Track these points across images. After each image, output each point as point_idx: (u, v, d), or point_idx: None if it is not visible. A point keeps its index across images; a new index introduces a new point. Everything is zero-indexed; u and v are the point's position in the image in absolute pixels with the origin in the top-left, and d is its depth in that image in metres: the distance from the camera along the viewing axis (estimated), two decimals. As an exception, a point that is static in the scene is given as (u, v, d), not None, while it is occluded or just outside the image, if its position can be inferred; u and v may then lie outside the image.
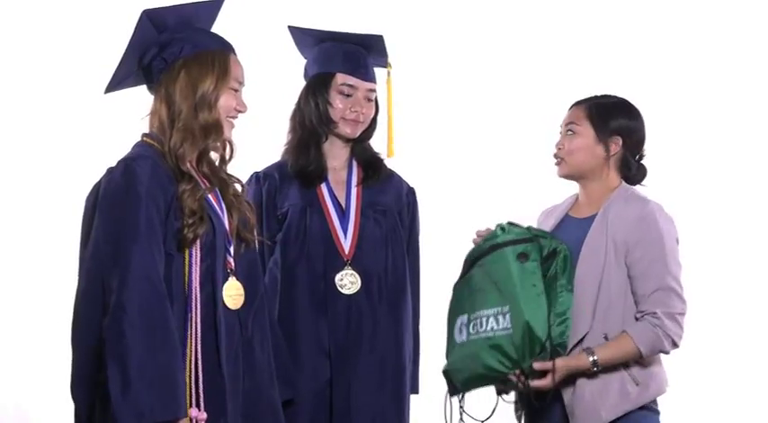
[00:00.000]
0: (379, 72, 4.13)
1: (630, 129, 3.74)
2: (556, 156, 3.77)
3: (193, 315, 3.24)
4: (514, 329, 3.56)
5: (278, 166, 4.10)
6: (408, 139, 4.32)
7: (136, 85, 3.41)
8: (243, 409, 3.33)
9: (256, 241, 3.45)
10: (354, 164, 4.12)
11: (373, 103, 4.09)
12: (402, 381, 4.07)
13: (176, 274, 3.24)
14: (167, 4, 3.37)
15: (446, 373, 3.72)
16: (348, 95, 4.04)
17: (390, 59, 4.12)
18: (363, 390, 3.99)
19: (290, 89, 4.18)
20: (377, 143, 4.16)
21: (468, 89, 5.93)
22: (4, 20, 5.71)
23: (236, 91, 3.36)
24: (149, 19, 3.31)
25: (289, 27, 4.13)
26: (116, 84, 3.39)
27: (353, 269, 4.01)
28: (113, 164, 3.28)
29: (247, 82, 3.43)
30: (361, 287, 4.01)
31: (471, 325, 3.65)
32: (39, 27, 5.71)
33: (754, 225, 5.98)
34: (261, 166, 4.12)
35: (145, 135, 3.36)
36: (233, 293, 3.33)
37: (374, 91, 4.09)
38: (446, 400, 3.72)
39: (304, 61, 4.18)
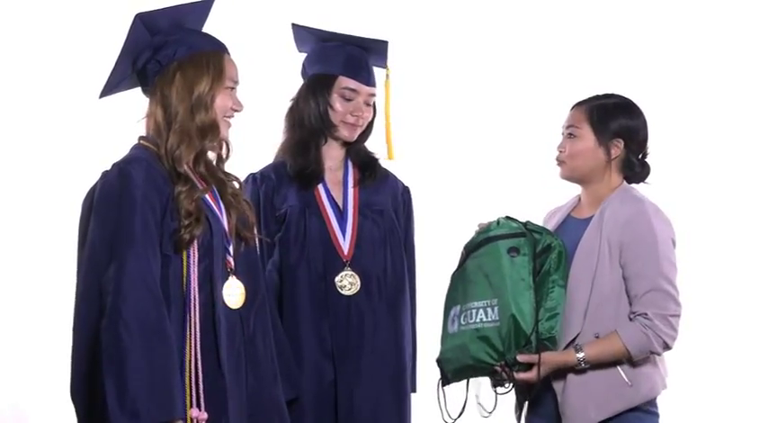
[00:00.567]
0: (378, 73, 4.13)
1: (632, 129, 3.74)
2: (557, 158, 3.77)
3: (192, 315, 3.25)
4: (501, 322, 3.60)
5: (274, 167, 4.09)
6: (406, 140, 4.32)
7: (130, 88, 3.42)
8: (247, 408, 3.34)
9: (256, 240, 3.46)
10: (350, 164, 4.11)
11: (372, 107, 4.08)
12: (403, 380, 4.08)
13: (174, 275, 3.25)
14: (159, 6, 3.37)
15: (439, 362, 3.76)
16: (349, 99, 4.03)
17: (389, 62, 4.11)
18: (366, 390, 4.00)
19: (285, 87, 4.18)
20: (375, 146, 4.16)
21: (466, 91, 5.93)
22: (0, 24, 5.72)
23: (231, 90, 3.37)
24: (142, 22, 3.32)
25: (293, 25, 4.11)
26: (111, 88, 3.39)
27: (353, 270, 4.01)
28: (109, 167, 3.29)
29: (243, 80, 3.43)
30: (361, 288, 4.01)
31: (463, 316, 3.69)
32: (34, 32, 5.68)
33: (754, 226, 5.98)
34: (256, 164, 4.11)
35: (141, 138, 3.36)
36: (234, 292, 3.34)
37: (374, 95, 4.08)
38: (438, 390, 3.76)
39: (297, 59, 4.16)
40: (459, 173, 5.91)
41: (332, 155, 4.10)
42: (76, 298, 3.26)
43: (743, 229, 5.97)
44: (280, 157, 4.12)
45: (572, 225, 3.77)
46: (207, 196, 3.34)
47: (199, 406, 3.23)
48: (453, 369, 3.71)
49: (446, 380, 3.74)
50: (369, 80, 4.06)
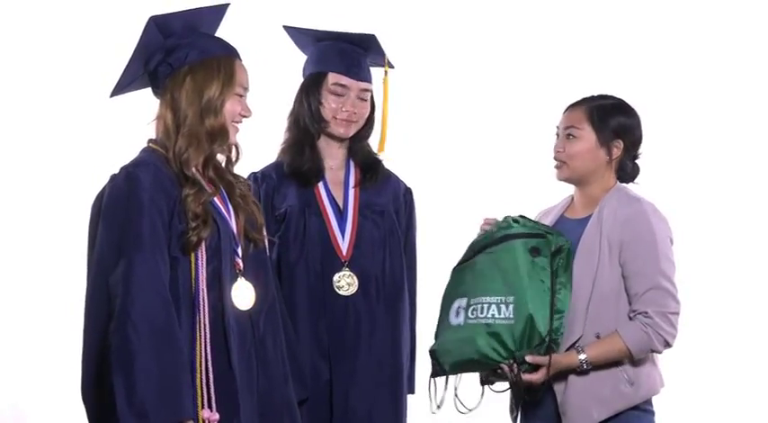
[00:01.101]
0: (377, 72, 4.13)
1: (630, 129, 3.76)
2: (556, 159, 3.76)
3: (201, 317, 3.26)
4: (516, 321, 3.58)
5: (275, 166, 4.10)
6: (405, 138, 4.35)
7: (141, 88, 3.43)
8: (258, 408, 3.35)
9: (265, 241, 3.47)
10: (352, 164, 4.12)
11: (368, 103, 4.08)
12: (400, 381, 4.09)
13: (183, 277, 3.26)
14: (173, 9, 3.39)
15: (433, 352, 3.73)
16: (340, 95, 4.04)
17: (387, 58, 4.11)
18: (362, 390, 4.01)
19: (288, 89, 4.19)
20: (369, 140, 4.16)
21: (463, 89, 5.95)
22: (11, 25, 5.69)
23: (240, 96, 3.38)
24: (156, 25, 3.33)
25: (284, 27, 4.13)
26: (121, 88, 3.40)
27: (351, 270, 4.02)
28: (117, 170, 3.30)
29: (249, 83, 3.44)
30: (359, 288, 4.02)
31: (470, 309, 3.66)
32: (45, 32, 5.69)
33: (750, 225, 6.00)
34: (260, 166, 4.12)
35: (151, 140, 3.37)
36: (243, 294, 3.35)
37: (368, 90, 4.07)
38: (430, 382, 3.74)
39: (301, 61, 4.17)
40: (457, 172, 5.92)
41: (332, 154, 4.11)
42: (86, 300, 3.27)
43: (736, 229, 5.99)
44: (280, 157, 4.14)
45: (568, 225, 3.77)
46: (215, 199, 3.35)
47: (210, 407, 3.24)
48: (453, 361, 3.68)
49: (442, 371, 3.71)
50: (360, 75, 4.05)
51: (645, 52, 5.98)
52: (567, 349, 3.64)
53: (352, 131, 4.07)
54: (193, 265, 3.27)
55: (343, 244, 4.04)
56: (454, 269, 3.78)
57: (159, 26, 3.34)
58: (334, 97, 4.04)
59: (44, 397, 5.43)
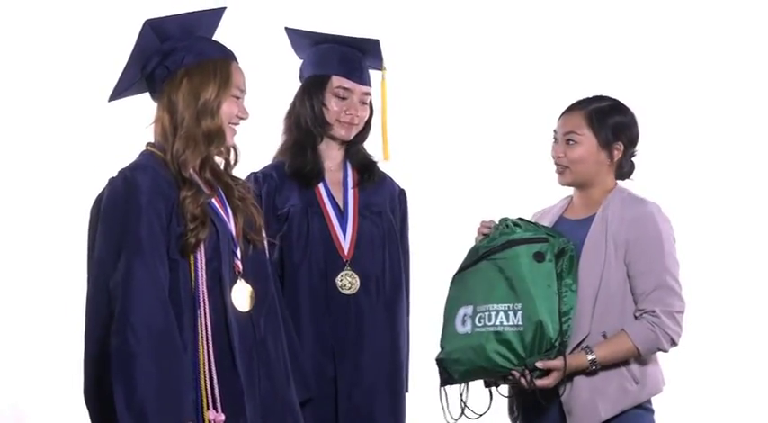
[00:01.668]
0: (374, 75, 4.15)
1: (627, 129, 3.76)
2: (557, 165, 3.76)
3: (203, 318, 3.27)
4: (526, 327, 3.57)
5: (275, 167, 4.11)
6: (402, 141, 4.34)
7: (138, 93, 3.44)
8: (261, 409, 3.36)
9: (265, 242, 3.48)
10: (348, 166, 4.15)
11: (368, 106, 4.11)
12: (399, 378, 4.12)
13: (183, 279, 3.27)
14: (170, 13, 3.40)
15: (441, 361, 3.71)
16: (343, 98, 4.06)
17: (385, 63, 4.14)
18: (365, 388, 4.03)
19: (285, 90, 4.20)
20: (371, 146, 4.19)
21: (460, 92, 5.95)
22: (9, 28, 5.68)
23: (237, 98, 3.39)
24: (152, 28, 3.34)
25: (285, 28, 4.14)
26: (119, 92, 3.41)
27: (352, 269, 4.05)
28: (116, 173, 3.31)
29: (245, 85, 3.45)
30: (360, 287, 4.04)
31: (477, 317, 3.65)
32: (42, 37, 5.68)
33: (750, 225, 6.00)
34: (255, 166, 4.13)
35: (149, 144, 3.38)
36: (242, 295, 3.36)
37: (369, 94, 4.10)
38: (441, 391, 3.72)
39: (298, 63, 4.19)
40: (453, 174, 5.92)
41: (331, 155, 4.14)
42: (86, 303, 3.28)
43: (737, 228, 5.99)
44: (278, 158, 4.15)
45: (569, 226, 3.78)
46: (213, 200, 3.36)
47: (215, 408, 3.25)
48: (463, 370, 3.67)
49: (452, 380, 3.70)
50: (362, 79, 4.09)
51: (641, 52, 5.97)
52: (574, 349, 3.64)
53: (353, 134, 4.10)
54: (192, 267, 3.28)
55: (345, 244, 4.07)
56: (455, 275, 3.77)
57: (155, 29, 3.34)
58: (337, 100, 4.07)
59: (44, 397, 5.43)
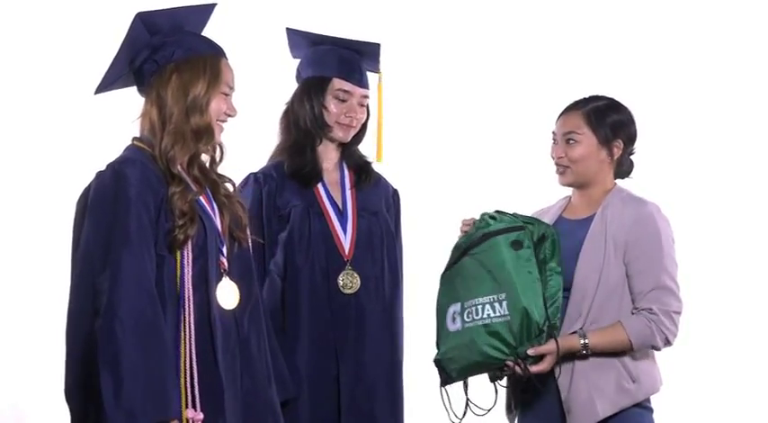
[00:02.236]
0: (370, 77, 4.16)
1: (625, 127, 3.78)
2: (558, 165, 3.78)
3: (186, 316, 3.25)
4: (512, 316, 3.58)
5: (275, 167, 4.12)
6: (394, 142, 4.35)
7: (125, 86, 3.42)
8: (242, 408, 3.34)
9: (249, 240, 3.46)
10: (345, 167, 4.17)
11: (365, 109, 4.14)
12: (399, 377, 4.13)
13: (169, 275, 3.26)
14: (159, 7, 3.38)
15: (438, 362, 3.73)
16: (343, 100, 4.09)
17: (381, 65, 4.16)
18: (366, 385, 4.04)
19: (277, 90, 4.21)
20: (365, 147, 4.21)
21: (455, 94, 5.96)
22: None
23: (226, 95, 3.38)
24: (142, 21, 3.32)
25: (286, 29, 4.16)
26: (106, 85, 3.39)
27: (353, 269, 4.06)
28: (103, 167, 3.29)
29: (237, 83, 3.44)
30: (361, 287, 4.05)
31: (465, 313, 3.66)
32: (29, 30, 5.69)
33: (748, 225, 5.99)
34: (249, 166, 4.14)
35: (135, 138, 3.37)
36: (227, 293, 3.34)
37: (368, 97, 4.13)
38: (442, 391, 3.73)
39: (292, 63, 4.20)
40: (448, 175, 5.93)
41: (328, 156, 4.15)
42: (70, 298, 3.27)
43: (735, 228, 5.99)
44: (275, 158, 4.16)
45: (568, 226, 3.78)
46: (200, 197, 3.34)
47: (194, 406, 3.23)
48: (459, 367, 3.68)
49: (450, 379, 3.71)
50: (362, 82, 4.12)
51: (639, 53, 5.98)
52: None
53: (350, 136, 4.13)
54: (179, 264, 3.27)
55: (346, 243, 4.08)
56: (442, 275, 3.78)
57: (145, 23, 3.33)
58: (337, 102, 4.09)
59: (44, 397, 5.44)
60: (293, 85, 4.18)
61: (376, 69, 4.16)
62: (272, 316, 3.97)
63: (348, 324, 4.03)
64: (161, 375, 3.14)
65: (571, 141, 3.75)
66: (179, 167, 3.31)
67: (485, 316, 3.62)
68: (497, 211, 3.74)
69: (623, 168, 3.81)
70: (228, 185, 3.44)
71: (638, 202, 3.73)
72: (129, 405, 3.10)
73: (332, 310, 4.03)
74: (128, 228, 3.19)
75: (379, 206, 4.16)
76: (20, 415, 5.59)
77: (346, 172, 4.17)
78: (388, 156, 4.21)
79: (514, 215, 3.73)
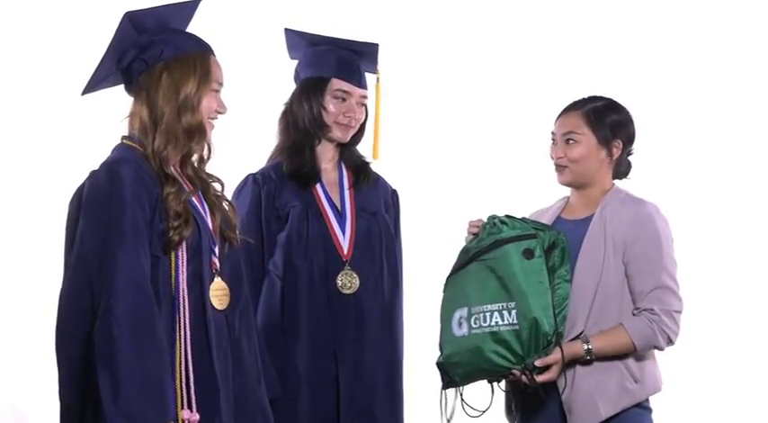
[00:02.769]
0: (368, 77, 4.18)
1: (624, 127, 3.79)
2: (558, 165, 3.77)
3: (181, 316, 3.25)
4: (521, 325, 3.58)
5: (273, 167, 4.13)
6: (394, 142, 4.39)
7: (113, 85, 3.41)
8: (234, 408, 3.34)
9: (239, 240, 3.45)
10: (343, 167, 4.18)
11: (364, 109, 4.15)
12: (399, 377, 4.14)
13: (163, 275, 3.25)
14: (145, 5, 3.38)
15: (441, 365, 3.72)
16: (342, 100, 4.10)
17: (379, 65, 4.18)
18: (365, 385, 4.05)
19: (275, 91, 4.22)
20: (363, 147, 4.22)
21: (453, 94, 5.97)
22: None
23: (216, 92, 3.37)
24: (130, 20, 3.31)
25: (285, 29, 4.17)
26: (93, 85, 3.38)
27: (352, 269, 4.06)
28: (94, 166, 3.28)
29: (232, 84, 3.45)
30: (360, 287, 4.06)
31: (473, 319, 3.66)
32: (17, 30, 5.70)
33: (747, 224, 6.00)
34: (246, 166, 4.14)
35: (125, 137, 3.35)
36: (219, 294, 3.34)
37: (366, 97, 4.14)
38: (441, 394, 3.73)
39: (290, 63, 4.21)
40: (446, 175, 5.93)
41: (327, 156, 4.16)
42: (62, 299, 3.27)
43: (734, 228, 5.99)
44: (274, 158, 4.17)
45: (566, 226, 3.78)
46: (193, 198, 3.33)
47: (190, 407, 3.23)
48: (464, 372, 3.68)
49: (453, 383, 3.71)
50: (361, 82, 4.13)
51: (638, 54, 5.98)
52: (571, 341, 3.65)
53: (349, 136, 4.14)
54: (173, 264, 3.26)
55: (345, 244, 4.09)
56: (448, 278, 3.78)
57: (133, 22, 3.32)
58: (336, 102, 4.11)
59: (44, 397, 5.44)
60: (292, 86, 4.19)
61: (373, 70, 4.18)
62: (271, 316, 3.99)
63: (347, 324, 4.04)
64: (158, 376, 3.14)
65: (570, 141, 3.75)
66: (172, 168, 3.30)
67: (492, 323, 3.62)
68: (508, 216, 3.73)
69: (621, 169, 3.81)
70: (217, 185, 3.43)
71: (637, 202, 3.73)
72: (127, 407, 3.10)
73: (331, 311, 4.04)
74: (123, 227, 3.18)
75: (377, 206, 4.17)
76: (20, 415, 5.60)
77: (345, 172, 4.18)
78: (386, 156, 4.23)
79: (524, 220, 3.73)
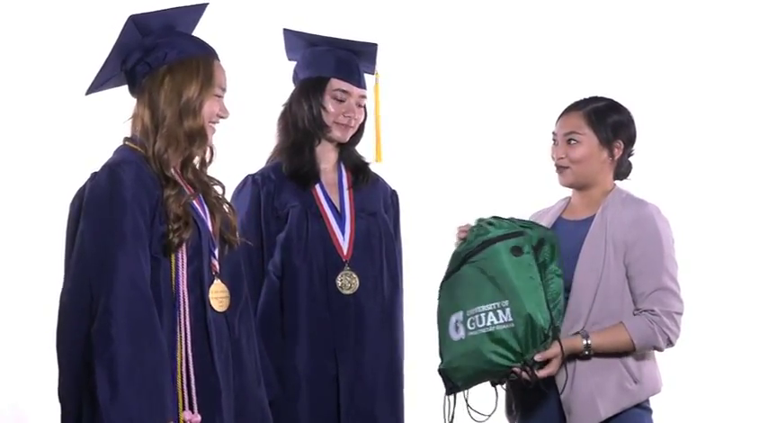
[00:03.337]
0: (368, 78, 4.18)
1: (625, 128, 3.79)
2: (559, 165, 3.78)
3: (182, 318, 3.25)
4: (516, 323, 3.58)
5: (272, 168, 4.13)
6: (393, 143, 4.37)
7: (117, 86, 3.41)
8: (234, 409, 3.35)
9: (238, 242, 3.46)
10: (343, 167, 4.18)
11: (363, 109, 4.15)
12: (399, 378, 4.14)
13: (164, 278, 3.26)
14: (150, 6, 3.38)
15: (443, 371, 3.72)
16: (341, 100, 4.10)
17: (378, 66, 4.18)
18: (366, 386, 4.05)
19: (275, 91, 4.23)
20: (363, 148, 4.22)
21: (453, 94, 5.97)
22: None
23: (219, 97, 3.37)
24: (135, 23, 3.31)
25: (284, 30, 4.17)
26: (97, 86, 3.38)
27: (352, 270, 4.06)
28: (95, 167, 3.29)
29: (232, 85, 3.44)
30: (360, 287, 4.06)
31: (468, 321, 3.66)
32: (22, 31, 5.70)
33: (747, 225, 6.01)
34: (244, 168, 4.14)
35: (127, 139, 3.36)
36: (219, 296, 3.34)
37: (365, 97, 4.14)
38: (445, 400, 3.72)
39: (289, 64, 4.21)
40: (446, 175, 5.94)
41: (326, 157, 4.16)
42: (62, 299, 3.27)
43: (734, 229, 6.01)
44: (274, 159, 4.17)
45: (568, 227, 3.79)
46: (193, 200, 3.34)
47: (192, 408, 3.23)
48: (465, 376, 3.67)
49: (456, 388, 3.71)
50: (360, 82, 4.13)
51: (638, 54, 5.99)
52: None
53: (348, 136, 4.14)
54: (173, 266, 3.27)
55: (344, 244, 4.09)
56: (441, 283, 3.78)
57: (138, 25, 3.32)
58: (335, 102, 4.11)
59: (44, 397, 5.43)
60: (291, 87, 4.19)
61: (372, 70, 4.18)
62: (271, 317, 4.00)
63: (347, 324, 4.04)
64: (157, 378, 3.14)
65: (572, 142, 3.76)
66: (172, 170, 3.31)
67: (488, 323, 3.62)
68: (494, 217, 3.73)
69: (622, 169, 3.82)
70: (218, 188, 3.43)
71: (638, 203, 3.74)
72: (126, 409, 3.10)
73: (331, 311, 4.04)
74: (123, 230, 3.19)
75: (377, 207, 4.17)
76: (20, 415, 5.59)
77: (344, 173, 4.17)
78: (385, 156, 4.22)
79: (511, 220, 3.73)
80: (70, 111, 5.48)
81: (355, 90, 4.11)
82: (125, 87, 3.41)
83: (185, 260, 3.27)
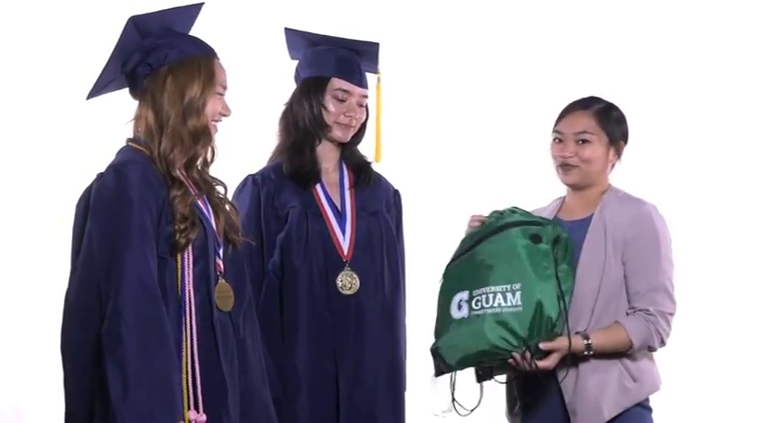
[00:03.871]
0: (369, 77, 4.17)
1: (625, 128, 3.81)
2: (566, 164, 3.76)
3: (188, 318, 3.26)
4: (525, 307, 3.56)
5: (273, 168, 4.12)
6: (395, 142, 4.38)
7: (118, 89, 3.42)
8: (240, 408, 3.35)
9: (241, 242, 3.46)
10: (344, 167, 4.17)
11: (364, 109, 4.14)
12: (400, 378, 4.14)
13: (170, 277, 3.26)
14: (147, 9, 3.38)
15: (436, 350, 3.69)
16: (342, 100, 4.09)
17: (379, 65, 4.16)
18: (366, 386, 4.04)
19: (276, 91, 4.22)
20: (364, 147, 4.21)
21: (454, 94, 5.98)
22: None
23: (220, 95, 3.38)
24: (135, 25, 3.32)
25: (285, 29, 4.16)
26: (99, 89, 3.39)
27: (352, 270, 4.05)
28: (100, 168, 3.29)
29: (234, 85, 3.45)
30: (360, 287, 4.05)
31: (474, 301, 3.63)
32: (21, 34, 5.70)
33: (745, 224, 6.01)
34: (245, 168, 4.14)
35: (130, 140, 3.37)
36: (223, 295, 3.35)
37: (367, 97, 4.13)
38: (433, 382, 3.72)
39: (290, 63, 4.20)
40: (447, 175, 5.95)
41: (328, 157, 4.15)
42: (68, 300, 3.27)
43: (732, 228, 6.01)
44: (275, 159, 4.16)
45: (566, 227, 3.76)
46: (198, 200, 3.34)
47: (197, 408, 3.24)
48: (462, 356, 3.64)
49: (447, 368, 3.67)
50: (361, 82, 4.12)
51: (636, 54, 5.99)
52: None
53: (349, 136, 4.13)
54: (179, 266, 3.27)
55: (344, 244, 4.08)
56: (448, 265, 3.76)
57: (138, 26, 3.32)
58: (336, 102, 4.09)
59: (44, 397, 5.45)
60: (292, 86, 4.18)
61: (374, 70, 4.17)
62: (271, 317, 3.99)
63: (347, 325, 4.04)
64: (167, 377, 3.15)
65: (584, 141, 3.75)
66: (178, 171, 3.31)
67: (495, 305, 3.59)
68: (514, 207, 3.73)
69: (612, 169, 3.83)
70: (220, 188, 3.44)
71: (636, 201, 3.74)
72: (137, 409, 3.11)
73: (331, 311, 4.03)
74: (130, 230, 3.20)
75: (378, 206, 4.16)
76: (20, 415, 5.60)
77: (345, 172, 4.16)
78: (387, 156, 4.21)
79: (529, 213, 3.73)
80: (74, 113, 5.47)
81: (356, 90, 4.10)
82: (126, 90, 3.42)
83: (191, 260, 3.28)
